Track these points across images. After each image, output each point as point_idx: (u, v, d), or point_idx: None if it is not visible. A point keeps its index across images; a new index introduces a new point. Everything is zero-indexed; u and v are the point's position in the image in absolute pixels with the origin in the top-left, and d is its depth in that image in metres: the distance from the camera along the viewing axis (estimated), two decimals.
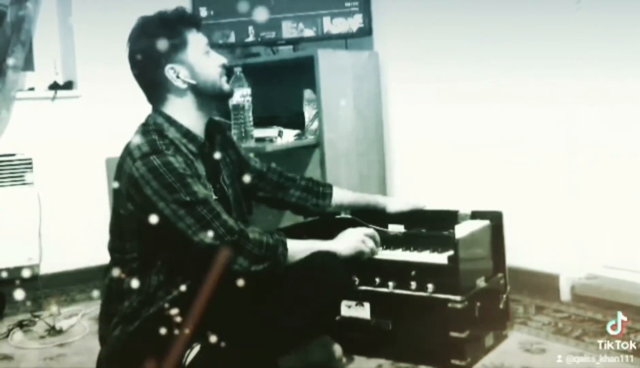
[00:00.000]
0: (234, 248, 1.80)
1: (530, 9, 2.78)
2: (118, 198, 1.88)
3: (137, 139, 1.86)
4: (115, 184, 1.88)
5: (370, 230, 2.12)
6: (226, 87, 2.00)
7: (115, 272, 1.90)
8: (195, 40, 1.94)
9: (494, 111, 2.94)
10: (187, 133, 1.92)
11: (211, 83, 1.95)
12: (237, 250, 1.81)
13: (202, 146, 1.95)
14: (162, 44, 1.91)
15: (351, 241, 2.04)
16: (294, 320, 1.86)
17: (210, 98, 1.98)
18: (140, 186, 1.79)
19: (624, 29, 2.61)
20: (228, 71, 2.04)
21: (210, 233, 1.79)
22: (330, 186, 2.36)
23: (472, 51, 2.98)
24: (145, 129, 1.91)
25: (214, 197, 1.90)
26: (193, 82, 1.92)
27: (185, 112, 1.94)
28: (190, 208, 1.79)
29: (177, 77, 1.91)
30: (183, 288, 1.85)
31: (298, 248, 1.91)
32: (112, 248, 1.94)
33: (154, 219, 1.79)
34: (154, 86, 1.94)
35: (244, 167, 2.19)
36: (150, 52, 1.90)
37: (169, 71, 1.91)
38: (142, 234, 1.85)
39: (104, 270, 1.96)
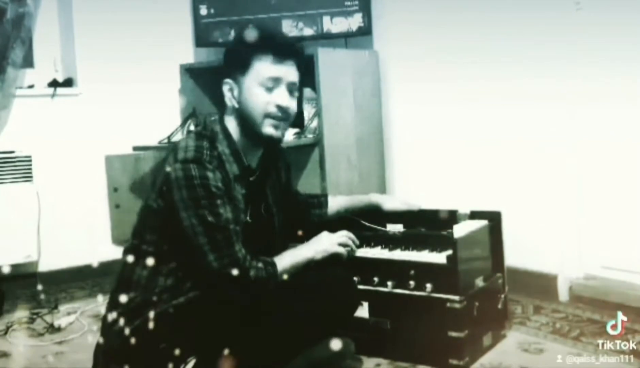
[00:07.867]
0: (230, 279, 1.81)
1: (530, 9, 2.78)
2: (152, 189, 1.90)
3: (188, 140, 1.89)
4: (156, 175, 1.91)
5: (344, 232, 2.13)
6: (267, 130, 1.91)
7: (130, 258, 1.91)
8: (260, 69, 1.90)
9: (493, 111, 2.94)
10: (235, 152, 1.92)
11: (252, 116, 1.91)
12: (233, 282, 1.82)
13: (246, 170, 1.94)
14: (229, 60, 1.98)
15: (323, 245, 2.05)
16: (300, 334, 1.86)
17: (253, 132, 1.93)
18: (172, 188, 1.81)
19: (624, 29, 2.61)
20: (285, 114, 1.91)
21: (217, 259, 1.81)
22: (324, 195, 2.38)
23: (472, 50, 2.97)
24: (201, 132, 1.93)
25: (248, 220, 1.92)
26: (236, 104, 1.93)
27: (236, 131, 1.94)
28: (208, 228, 1.80)
29: (229, 92, 1.94)
30: (190, 294, 1.85)
31: (284, 268, 1.92)
32: (134, 232, 1.94)
33: (176, 221, 1.81)
34: (221, 93, 1.97)
35: (287, 192, 2.20)
36: (225, 62, 1.99)
37: (225, 85, 1.95)
38: (163, 231, 1.86)
39: (123, 251, 1.97)
